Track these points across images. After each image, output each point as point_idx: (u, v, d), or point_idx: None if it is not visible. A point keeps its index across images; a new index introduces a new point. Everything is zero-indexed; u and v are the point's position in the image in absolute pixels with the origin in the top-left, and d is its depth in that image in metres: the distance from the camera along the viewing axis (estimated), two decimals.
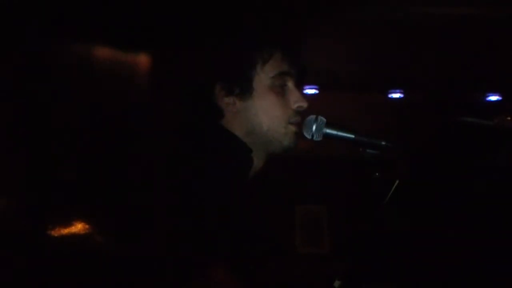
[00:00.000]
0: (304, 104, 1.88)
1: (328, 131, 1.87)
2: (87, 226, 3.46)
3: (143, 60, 4.03)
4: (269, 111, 1.87)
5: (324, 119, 1.87)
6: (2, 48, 3.46)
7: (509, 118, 1.98)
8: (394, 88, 5.16)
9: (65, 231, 3.42)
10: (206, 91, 1.87)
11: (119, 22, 3.70)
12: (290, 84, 1.90)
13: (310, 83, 4.84)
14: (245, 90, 1.86)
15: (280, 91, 1.88)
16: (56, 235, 3.42)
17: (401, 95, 5.18)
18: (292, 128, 1.88)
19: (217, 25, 1.96)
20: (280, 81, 1.88)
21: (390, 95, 5.19)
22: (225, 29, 1.95)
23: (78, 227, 3.45)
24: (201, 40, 1.96)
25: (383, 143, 1.84)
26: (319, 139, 1.88)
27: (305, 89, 4.74)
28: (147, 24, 3.72)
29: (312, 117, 1.88)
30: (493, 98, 5.15)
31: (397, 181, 1.82)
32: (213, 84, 1.87)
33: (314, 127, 1.87)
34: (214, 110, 1.87)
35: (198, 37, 2.01)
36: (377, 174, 1.83)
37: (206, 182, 1.77)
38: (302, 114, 1.90)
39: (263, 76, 1.87)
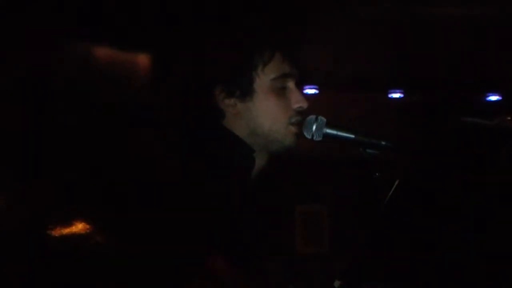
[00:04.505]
0: (305, 105, 1.88)
1: (328, 131, 1.87)
2: (87, 226, 3.46)
3: (143, 60, 4.03)
4: (270, 113, 1.87)
5: (324, 119, 1.87)
6: (2, 47, 3.47)
7: (509, 118, 1.98)
8: (394, 88, 5.16)
9: (65, 231, 3.42)
10: (206, 93, 1.87)
11: (120, 23, 3.70)
12: (291, 85, 1.89)
13: (310, 83, 4.84)
14: (246, 92, 1.86)
15: (281, 92, 1.88)
16: (56, 235, 3.42)
17: (401, 95, 5.18)
18: (293, 129, 1.88)
19: (217, 27, 1.95)
20: (281, 82, 1.88)
21: (390, 95, 5.19)
22: (225, 31, 1.94)
23: (78, 227, 3.45)
24: (201, 41, 1.96)
25: (383, 143, 1.84)
26: (319, 139, 1.88)
27: (305, 89, 4.74)
28: (146, 25, 3.72)
29: (312, 117, 1.88)
30: (493, 98, 5.15)
31: (397, 181, 1.82)
32: (213, 86, 1.87)
33: (314, 127, 1.87)
34: (215, 112, 1.87)
35: (198, 39, 2.00)
36: (377, 174, 1.83)
37: (208, 182, 1.77)
38: (302, 114, 1.90)
39: (264, 78, 1.87)
